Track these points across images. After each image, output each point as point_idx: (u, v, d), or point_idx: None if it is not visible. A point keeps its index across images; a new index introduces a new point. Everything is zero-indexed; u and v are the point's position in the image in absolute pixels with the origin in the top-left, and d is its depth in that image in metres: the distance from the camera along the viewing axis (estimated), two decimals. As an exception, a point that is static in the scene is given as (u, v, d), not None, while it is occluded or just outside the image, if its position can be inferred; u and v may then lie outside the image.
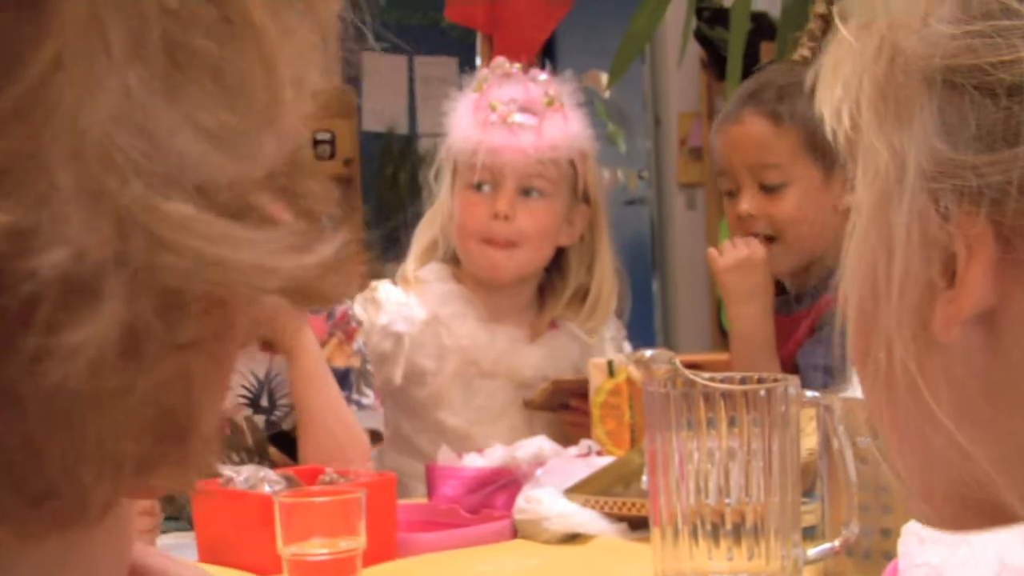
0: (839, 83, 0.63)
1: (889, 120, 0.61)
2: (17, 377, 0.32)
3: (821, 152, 2.00)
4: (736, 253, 2.03)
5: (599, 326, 2.14)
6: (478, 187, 2.07)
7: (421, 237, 2.17)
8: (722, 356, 2.18)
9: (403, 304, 2.09)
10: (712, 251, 2.06)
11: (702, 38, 5.33)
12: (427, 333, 2.10)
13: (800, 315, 2.06)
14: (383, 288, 2.11)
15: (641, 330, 5.13)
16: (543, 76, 2.10)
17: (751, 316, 2.02)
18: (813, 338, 2.01)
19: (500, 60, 2.11)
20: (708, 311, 5.42)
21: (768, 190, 2.04)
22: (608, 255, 2.16)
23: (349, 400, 1.88)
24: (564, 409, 2.10)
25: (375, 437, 1.93)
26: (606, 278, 2.15)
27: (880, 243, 0.61)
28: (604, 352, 2.11)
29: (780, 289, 2.14)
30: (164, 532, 1.69)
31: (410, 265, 2.15)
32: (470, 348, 2.10)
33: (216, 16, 0.34)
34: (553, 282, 2.16)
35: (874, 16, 0.62)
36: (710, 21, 5.22)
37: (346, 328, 1.91)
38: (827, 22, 2.72)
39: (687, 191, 5.77)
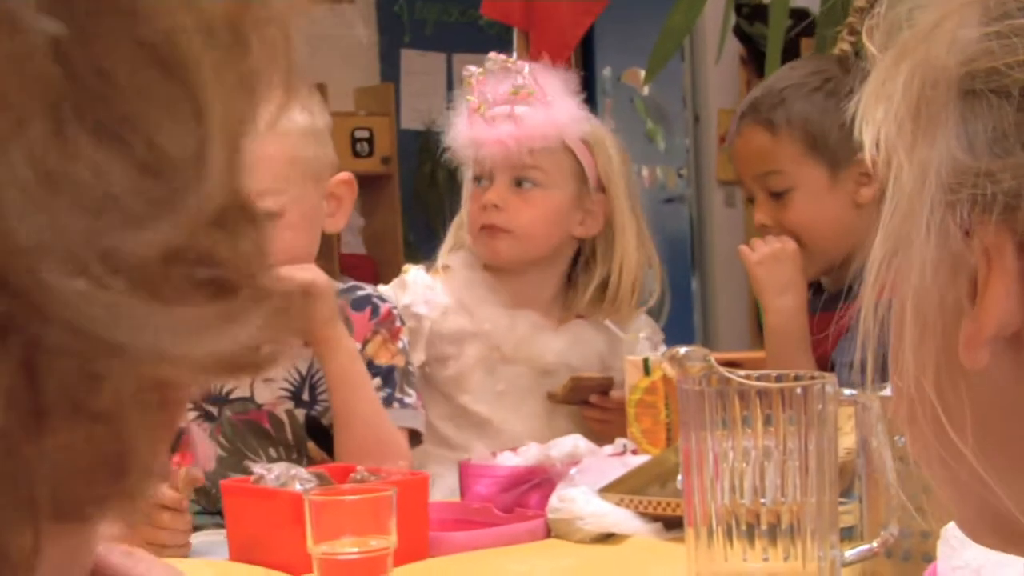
0: (879, 107, 0.61)
1: (920, 137, 0.59)
2: None
3: (823, 151, 2.00)
4: (767, 247, 2.03)
5: (625, 320, 2.13)
6: (478, 180, 2.11)
7: (453, 230, 2.21)
8: (759, 354, 2.16)
9: (428, 287, 2.12)
10: (743, 247, 2.06)
11: (741, 34, 5.30)
12: (450, 317, 2.12)
13: (837, 313, 2.04)
14: (412, 271, 2.14)
15: (680, 328, 5.12)
16: (527, 68, 2.10)
17: (784, 309, 2.01)
18: (848, 335, 1.99)
19: (491, 56, 2.11)
20: (747, 309, 5.39)
21: (776, 197, 2.04)
22: (630, 246, 2.15)
23: (392, 399, 1.87)
24: (586, 405, 2.10)
25: (415, 437, 1.92)
26: (626, 269, 2.15)
27: (906, 265, 0.59)
28: (639, 350, 2.10)
29: (818, 287, 2.12)
30: (199, 528, 1.68)
31: (441, 254, 2.18)
32: (492, 332, 2.11)
33: (144, 62, 0.30)
34: (579, 273, 2.16)
35: (900, 31, 0.59)
36: (749, 17, 5.19)
37: (391, 327, 1.90)
38: (867, 16, 2.69)
39: (726, 188, 5.75)
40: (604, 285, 2.14)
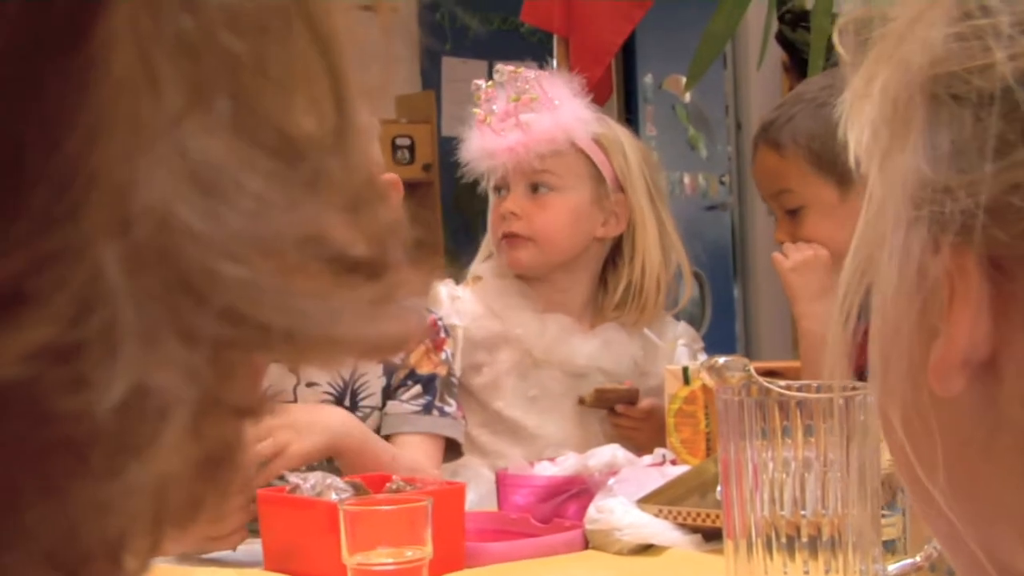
0: (863, 110, 0.57)
1: (894, 144, 0.55)
2: (78, 519, 0.27)
3: (831, 168, 1.99)
4: (800, 254, 2.03)
5: (655, 322, 2.13)
6: (498, 191, 2.13)
7: (485, 243, 2.24)
8: (799, 364, 2.15)
9: (457, 299, 2.13)
10: (776, 254, 2.07)
11: (784, 40, 5.27)
12: (483, 324, 2.13)
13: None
14: (440, 288, 2.14)
15: (722, 336, 5.09)
16: (532, 75, 2.11)
17: (818, 315, 2.01)
18: None
19: (499, 67, 2.14)
20: (790, 318, 5.36)
21: (792, 214, 2.06)
22: (651, 244, 2.15)
23: (431, 406, 1.87)
24: (612, 413, 2.10)
25: (454, 448, 1.91)
26: (648, 269, 2.15)
27: (875, 283, 0.56)
28: (677, 358, 2.10)
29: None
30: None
31: (473, 266, 2.21)
32: (524, 337, 2.12)
33: (277, 25, 0.28)
34: (609, 275, 2.17)
35: (874, 30, 0.56)
36: (792, 23, 5.16)
37: (435, 337, 1.90)
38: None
39: (769, 196, 5.72)
40: (630, 286, 2.14)
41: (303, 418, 1.71)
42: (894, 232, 0.54)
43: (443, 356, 1.90)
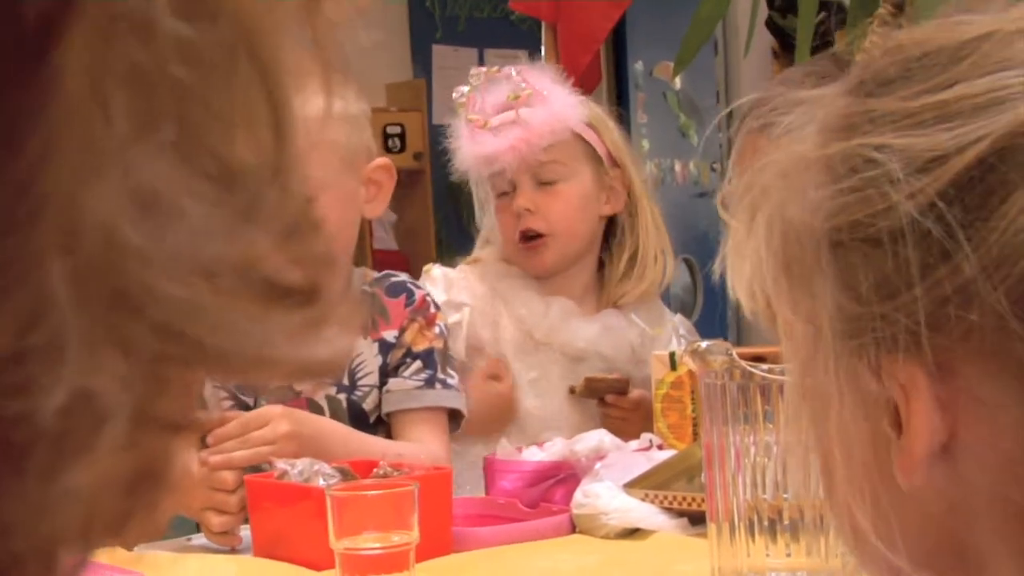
0: (745, 264, 0.65)
1: (796, 290, 0.63)
2: (19, 517, 0.28)
3: None
4: None
5: (651, 290, 2.16)
6: (503, 194, 2.13)
7: (480, 242, 2.24)
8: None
9: (460, 278, 2.15)
10: None
11: (774, 27, 5.27)
12: (485, 304, 2.14)
13: None
14: (435, 269, 2.16)
15: (713, 323, 5.10)
16: (513, 71, 2.12)
17: None
18: None
19: (475, 71, 2.15)
20: (782, 304, 5.38)
21: None
22: (648, 216, 2.18)
23: (434, 379, 1.87)
24: (602, 403, 2.11)
25: (456, 416, 1.92)
26: (649, 238, 2.18)
27: (819, 415, 0.63)
28: (671, 346, 2.11)
29: None
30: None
31: (474, 252, 2.22)
32: (526, 317, 2.13)
33: (223, 61, 0.29)
34: (612, 251, 2.19)
35: (753, 194, 0.65)
36: (782, 10, 5.16)
37: (426, 313, 1.90)
38: (898, 7, 2.67)
39: (760, 183, 5.72)
40: (635, 255, 2.17)
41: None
42: (836, 364, 0.61)
43: (436, 330, 1.90)
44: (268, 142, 0.30)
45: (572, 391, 2.11)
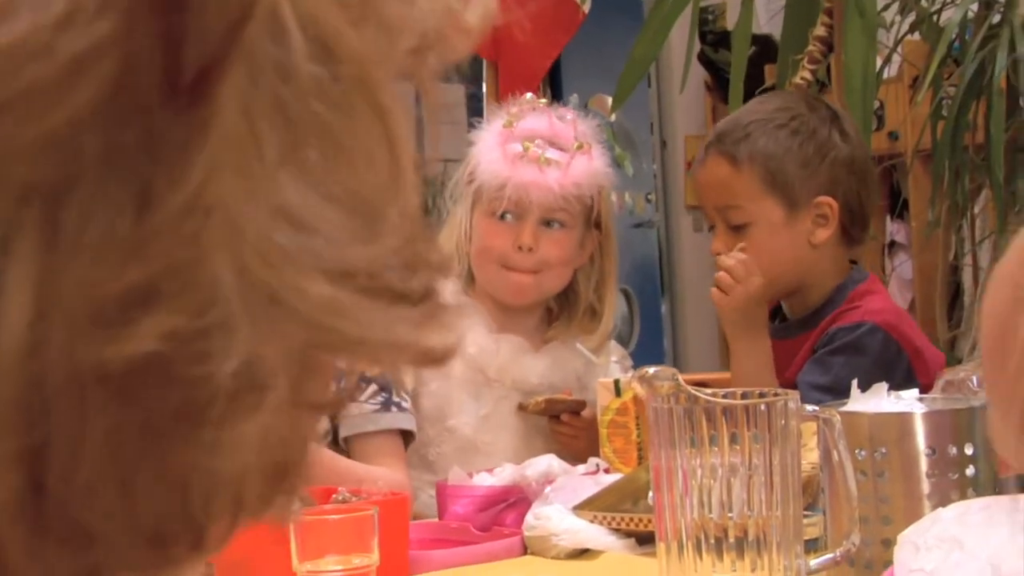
0: None
1: None
2: (189, 461, 0.34)
3: (782, 189, 2.04)
4: (734, 292, 2.06)
5: (602, 344, 2.20)
6: (502, 216, 2.14)
7: None
8: (727, 375, 2.22)
9: None
10: (715, 290, 2.09)
11: (706, 61, 5.37)
12: None
13: (801, 339, 2.10)
14: None
15: (651, 352, 5.16)
16: (569, 115, 2.18)
17: (742, 352, 2.08)
18: (811, 359, 2.05)
19: (528, 96, 2.19)
20: (716, 332, 5.45)
21: (735, 229, 2.09)
22: (614, 278, 2.23)
23: (390, 403, 1.92)
24: (556, 421, 2.15)
25: (409, 438, 2.00)
26: (614, 300, 2.24)
27: None
28: (610, 374, 2.16)
29: (781, 315, 2.19)
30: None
31: None
32: (477, 356, 2.16)
33: (348, 102, 0.36)
34: (560, 301, 2.23)
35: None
36: (714, 44, 5.26)
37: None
38: (827, 45, 2.76)
39: (694, 213, 5.80)
40: (588, 312, 2.21)
41: None
42: None
43: None
44: (386, 170, 0.37)
45: (522, 408, 2.15)
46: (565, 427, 2.13)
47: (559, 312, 2.22)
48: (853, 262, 2.18)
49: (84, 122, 0.31)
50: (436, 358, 0.39)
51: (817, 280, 2.10)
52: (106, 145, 0.32)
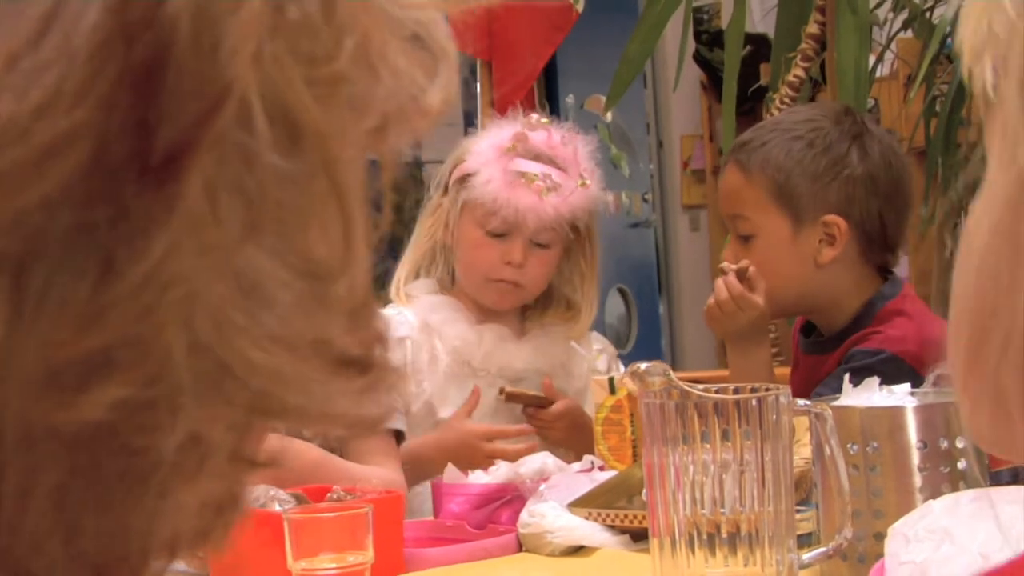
0: (988, 25, 0.52)
1: None
2: (131, 522, 0.36)
3: (789, 202, 2.00)
4: (731, 303, 2.03)
5: (582, 335, 2.24)
6: (496, 235, 2.16)
7: (416, 249, 2.25)
8: (723, 372, 2.22)
9: (396, 314, 2.17)
10: (711, 304, 2.06)
11: (701, 60, 5.38)
12: (420, 340, 2.18)
13: (827, 357, 2.05)
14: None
15: (648, 351, 5.16)
16: (571, 144, 2.18)
17: (734, 363, 2.08)
18: (828, 376, 1.99)
19: (533, 116, 2.20)
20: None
21: (744, 240, 2.05)
22: (595, 275, 2.26)
23: None
24: (525, 412, 2.17)
25: (401, 437, 2.01)
26: (595, 296, 2.26)
27: (1011, 240, 0.52)
28: (599, 364, 2.19)
29: (813, 329, 2.14)
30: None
31: (401, 276, 2.23)
32: (461, 348, 2.18)
33: (309, 180, 0.37)
34: (548, 296, 2.25)
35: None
36: (709, 44, 5.26)
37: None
38: (819, 43, 2.76)
39: (690, 213, 5.82)
40: (562, 303, 2.24)
41: None
42: None
43: None
44: (340, 245, 0.38)
45: (502, 392, 2.17)
46: (534, 420, 2.15)
47: (534, 303, 2.25)
48: (890, 272, 2.09)
49: (55, 201, 0.32)
50: (370, 425, 0.41)
51: (836, 299, 2.04)
52: (74, 221, 0.33)
